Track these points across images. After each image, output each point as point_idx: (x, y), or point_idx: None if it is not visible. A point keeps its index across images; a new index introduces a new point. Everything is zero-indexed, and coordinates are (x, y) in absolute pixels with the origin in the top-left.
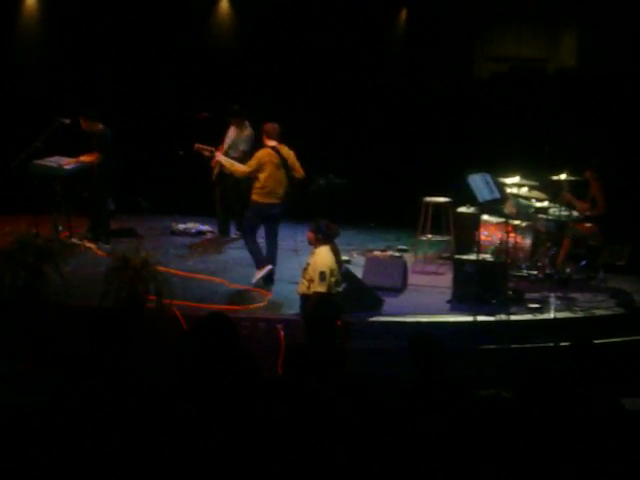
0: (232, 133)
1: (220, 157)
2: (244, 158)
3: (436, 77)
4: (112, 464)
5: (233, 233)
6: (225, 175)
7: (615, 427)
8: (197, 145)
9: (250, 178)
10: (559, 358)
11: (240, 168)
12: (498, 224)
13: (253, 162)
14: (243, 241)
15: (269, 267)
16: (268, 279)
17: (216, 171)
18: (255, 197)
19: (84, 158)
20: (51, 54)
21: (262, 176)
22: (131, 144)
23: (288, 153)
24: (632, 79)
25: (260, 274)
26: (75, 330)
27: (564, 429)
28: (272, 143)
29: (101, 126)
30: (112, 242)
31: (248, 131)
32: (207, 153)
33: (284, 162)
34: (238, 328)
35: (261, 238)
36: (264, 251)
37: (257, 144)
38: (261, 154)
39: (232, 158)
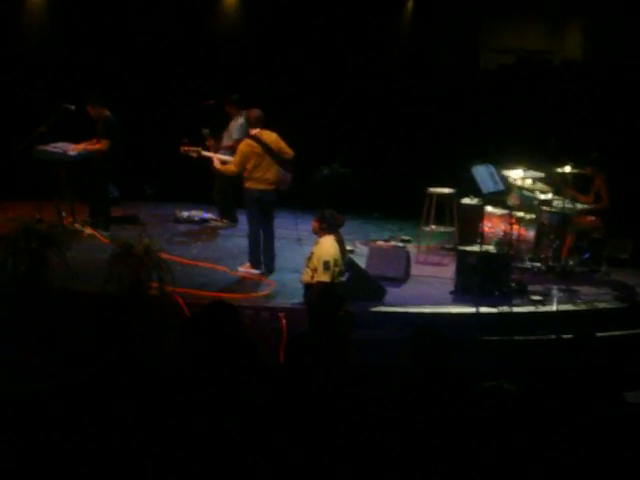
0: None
1: (212, 157)
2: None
3: (442, 68)
4: (114, 451)
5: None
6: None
7: (617, 420)
8: (183, 148)
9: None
10: (561, 350)
11: (229, 168)
12: (502, 216)
13: (236, 158)
14: (248, 232)
15: (258, 273)
16: (269, 268)
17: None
18: (247, 184)
19: (90, 146)
20: (57, 39)
21: (249, 166)
22: (136, 132)
23: (269, 137)
24: (637, 72)
25: (248, 270)
26: (78, 316)
27: (566, 421)
28: (253, 132)
29: (107, 112)
30: (115, 229)
31: (241, 119)
32: (194, 155)
33: (267, 148)
34: (240, 316)
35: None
36: (261, 240)
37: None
38: (242, 147)
39: (228, 147)
